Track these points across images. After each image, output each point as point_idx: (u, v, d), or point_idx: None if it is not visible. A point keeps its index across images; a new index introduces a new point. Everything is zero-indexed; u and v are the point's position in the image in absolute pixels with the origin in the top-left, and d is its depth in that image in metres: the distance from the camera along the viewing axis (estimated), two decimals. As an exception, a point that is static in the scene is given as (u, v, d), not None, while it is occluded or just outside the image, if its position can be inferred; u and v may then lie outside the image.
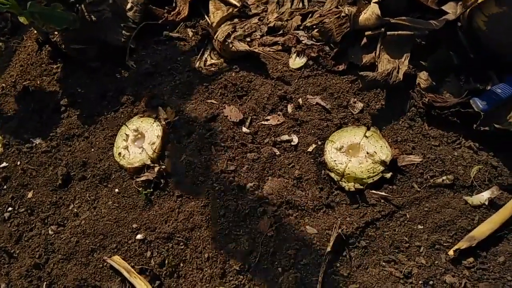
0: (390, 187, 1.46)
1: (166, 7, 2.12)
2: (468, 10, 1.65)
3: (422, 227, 1.38)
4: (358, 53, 1.77)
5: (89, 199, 1.63)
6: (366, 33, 1.76)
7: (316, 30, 1.84)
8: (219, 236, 1.43)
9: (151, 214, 1.53)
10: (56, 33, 2.06)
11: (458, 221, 1.37)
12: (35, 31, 2.05)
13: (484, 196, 1.38)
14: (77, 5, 2.02)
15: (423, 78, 1.64)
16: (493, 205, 1.37)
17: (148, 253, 1.46)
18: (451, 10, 1.77)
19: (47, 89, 1.98)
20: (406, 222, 1.39)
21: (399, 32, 1.71)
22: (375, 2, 1.76)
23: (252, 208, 1.47)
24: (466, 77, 1.65)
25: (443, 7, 1.80)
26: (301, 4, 2.01)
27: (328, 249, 1.34)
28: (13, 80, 2.03)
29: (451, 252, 1.30)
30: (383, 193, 1.44)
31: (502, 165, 1.45)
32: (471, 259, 1.30)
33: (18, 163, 1.79)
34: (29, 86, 2.00)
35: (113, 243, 1.51)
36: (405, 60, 1.69)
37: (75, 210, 1.63)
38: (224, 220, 1.46)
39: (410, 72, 1.68)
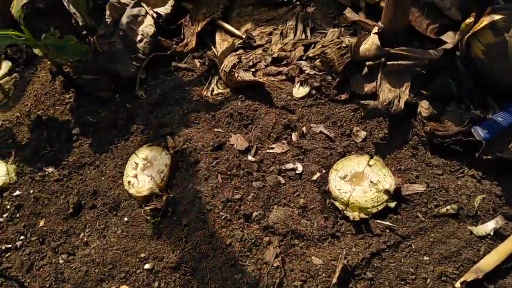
0: (395, 216, 1.48)
1: (174, 39, 2.20)
2: (465, 39, 1.70)
3: (428, 258, 1.38)
4: (359, 82, 1.82)
5: (99, 228, 1.67)
6: (367, 63, 1.80)
7: (318, 60, 1.90)
8: (225, 267, 1.45)
9: (159, 243, 1.56)
10: (68, 64, 2.14)
11: (464, 252, 1.37)
12: (49, 62, 2.13)
13: (489, 226, 1.38)
14: (89, 37, 2.11)
15: (424, 106, 1.68)
16: (499, 236, 1.37)
17: (156, 284, 1.48)
18: (450, 40, 1.82)
19: (60, 118, 2.04)
20: (411, 252, 1.40)
21: (399, 62, 1.76)
22: (375, 33, 1.82)
23: (258, 238, 1.49)
24: (467, 105, 1.68)
25: (442, 37, 1.85)
26: (303, 35, 2.07)
27: (334, 280, 1.35)
28: (27, 110, 2.10)
29: (457, 285, 1.30)
30: (388, 223, 1.46)
31: (506, 194, 1.46)
32: (478, 291, 1.30)
33: (31, 191, 1.84)
34: (42, 115, 2.07)
35: (121, 272, 1.53)
36: (405, 89, 1.73)
37: (85, 239, 1.66)
38: (230, 249, 1.48)
39: (411, 101, 1.71)
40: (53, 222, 1.73)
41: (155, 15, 2.17)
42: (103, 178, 1.79)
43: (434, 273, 1.35)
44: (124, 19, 2.10)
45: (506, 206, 1.43)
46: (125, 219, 1.65)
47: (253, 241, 1.49)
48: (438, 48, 1.77)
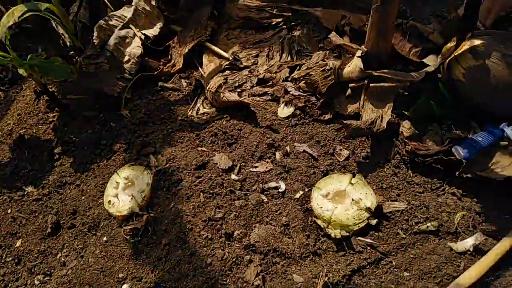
0: (376, 233, 1.47)
1: (162, 60, 2.23)
2: (447, 62, 1.75)
3: (408, 274, 1.37)
4: (343, 103, 1.85)
5: (77, 247, 1.63)
6: (350, 85, 1.85)
7: (303, 81, 1.93)
8: (205, 286, 1.41)
9: (137, 263, 1.52)
10: (54, 83, 2.15)
11: (443, 268, 1.36)
12: (34, 82, 2.13)
13: (468, 242, 1.39)
14: (76, 58, 2.13)
15: (406, 127, 1.71)
16: (478, 251, 1.38)
17: (134, 304, 1.44)
18: (432, 63, 1.88)
19: (43, 137, 2.03)
20: (392, 269, 1.39)
21: (382, 84, 1.80)
22: (358, 56, 1.87)
23: (239, 257, 1.47)
24: (448, 126, 1.72)
25: (424, 60, 1.90)
26: (289, 57, 2.12)
27: (315, 298, 1.33)
28: (10, 129, 2.09)
29: (438, 301, 1.28)
30: (369, 240, 1.45)
31: (485, 211, 1.47)
32: (459, 308, 1.28)
33: (9, 211, 1.80)
34: (25, 134, 2.05)
35: (98, 293, 1.49)
36: (388, 109, 1.76)
37: (63, 259, 1.61)
38: (210, 268, 1.45)
39: (394, 121, 1.74)
40: (30, 242, 1.68)
41: (143, 37, 2.21)
42: (83, 197, 1.77)
43: (414, 289, 1.34)
44: (112, 41, 2.13)
45: (485, 223, 1.44)
46: (104, 238, 1.62)
47: (234, 260, 1.46)
48: (420, 71, 1.82)
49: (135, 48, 2.15)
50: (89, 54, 2.09)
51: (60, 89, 2.13)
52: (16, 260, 1.65)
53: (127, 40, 2.17)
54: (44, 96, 2.14)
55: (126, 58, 2.14)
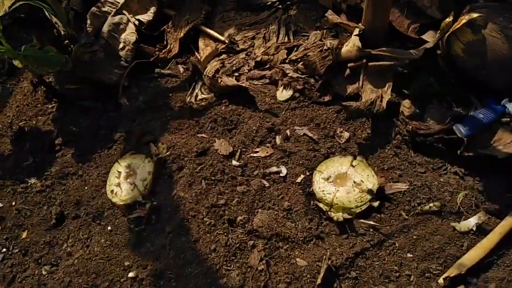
0: (378, 215, 1.48)
1: (157, 45, 2.19)
2: (446, 37, 1.71)
3: (412, 255, 1.38)
4: (342, 84, 1.82)
5: (82, 237, 1.65)
6: (349, 64, 1.81)
7: (301, 63, 1.90)
8: (210, 272, 1.43)
9: (142, 251, 1.54)
10: (51, 73, 2.13)
11: (447, 248, 1.37)
12: (30, 73, 2.11)
13: (471, 222, 1.39)
14: (71, 47, 2.10)
15: (406, 106, 1.69)
16: (481, 231, 1.38)
17: (140, 291, 1.46)
18: (431, 39, 1.84)
19: (43, 129, 2.02)
20: (395, 250, 1.40)
21: (380, 62, 1.77)
22: (356, 35, 1.83)
23: (242, 242, 1.48)
24: (448, 103, 1.69)
25: (423, 36, 1.86)
26: (286, 38, 2.08)
27: (319, 281, 1.34)
28: (9, 121, 2.08)
29: (441, 280, 1.30)
30: (371, 222, 1.46)
31: (488, 190, 1.46)
32: (461, 287, 1.29)
33: (13, 203, 1.81)
34: (25, 126, 2.04)
35: (105, 281, 1.51)
36: (387, 89, 1.73)
37: (69, 249, 1.63)
38: (214, 255, 1.47)
39: (394, 101, 1.72)
40: (36, 233, 1.70)
41: (137, 23, 2.16)
42: (86, 187, 1.77)
43: (417, 270, 1.35)
44: (105, 28, 2.09)
45: (488, 202, 1.44)
46: (109, 228, 1.63)
47: (237, 245, 1.47)
48: (419, 47, 1.78)
49: (129, 34, 2.12)
50: (83, 42, 2.05)
51: (57, 80, 2.10)
52: (23, 252, 1.67)
53: (121, 27, 2.13)
54: (42, 87, 2.12)
55: (121, 45, 2.10)
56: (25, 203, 1.80)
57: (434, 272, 1.34)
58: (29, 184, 1.85)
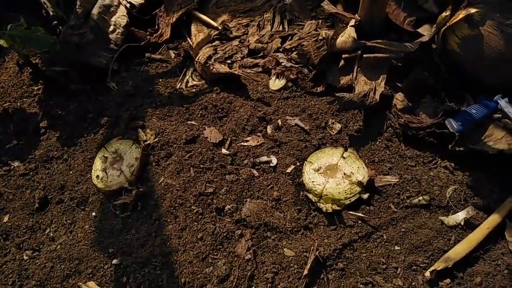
0: (367, 207, 1.47)
1: (148, 30, 2.14)
2: (442, 31, 1.70)
3: (399, 248, 1.38)
4: (336, 75, 1.80)
5: (65, 223, 1.61)
6: (343, 55, 1.79)
7: (295, 52, 1.87)
8: (196, 261, 1.41)
9: (127, 238, 1.51)
10: (37, 55, 2.07)
11: (434, 242, 1.37)
12: (16, 53, 2.05)
13: (459, 216, 1.39)
14: (59, 28, 2.04)
15: (399, 99, 1.67)
16: (469, 225, 1.38)
17: (124, 279, 1.43)
18: (427, 33, 1.83)
19: (28, 111, 1.97)
20: (383, 243, 1.39)
21: (375, 54, 1.75)
22: (352, 26, 1.80)
23: (230, 231, 1.46)
24: (441, 98, 1.68)
25: (419, 30, 1.85)
26: (281, 27, 2.05)
27: (306, 272, 1.33)
28: (-7, 102, 2.02)
29: (427, 274, 1.29)
30: (360, 214, 1.44)
31: (477, 185, 1.46)
32: (447, 280, 1.29)
33: (-5, 186, 1.76)
34: (9, 108, 1.98)
35: (88, 268, 1.48)
36: (381, 81, 1.72)
37: (51, 234, 1.59)
38: (201, 243, 1.44)
39: (387, 93, 1.71)
40: (18, 217, 1.65)
41: (128, 5, 2.11)
42: (71, 172, 1.73)
43: (404, 262, 1.35)
44: (95, 10, 2.04)
45: (477, 197, 1.44)
46: (93, 214, 1.60)
47: (225, 234, 1.45)
48: (414, 41, 1.77)
49: (120, 17, 2.06)
50: (72, 24, 2.00)
51: (43, 61, 2.04)
52: (4, 236, 1.62)
53: (112, 9, 2.07)
54: (28, 68, 2.06)
55: (112, 28, 2.05)
56: (7, 186, 1.75)
57: (421, 265, 1.34)
58: (12, 167, 1.80)
